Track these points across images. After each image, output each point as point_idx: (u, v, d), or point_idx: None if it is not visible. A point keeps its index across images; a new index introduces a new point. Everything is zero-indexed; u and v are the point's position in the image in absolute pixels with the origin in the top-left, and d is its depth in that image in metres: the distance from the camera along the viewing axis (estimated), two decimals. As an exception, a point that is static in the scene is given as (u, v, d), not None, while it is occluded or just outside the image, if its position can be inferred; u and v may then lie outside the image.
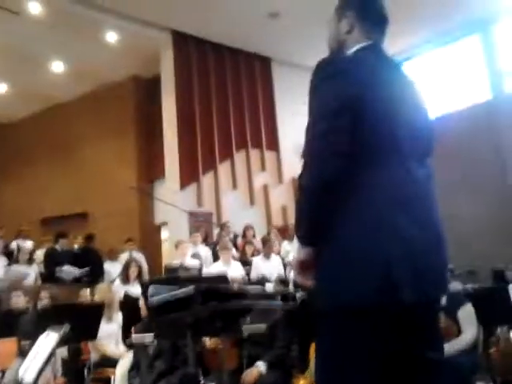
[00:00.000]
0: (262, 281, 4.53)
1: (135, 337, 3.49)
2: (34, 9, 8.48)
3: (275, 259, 6.71)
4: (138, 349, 3.69)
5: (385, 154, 1.44)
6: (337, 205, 1.40)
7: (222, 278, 2.53)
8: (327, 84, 1.46)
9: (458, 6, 9.11)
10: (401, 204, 1.40)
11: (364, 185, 1.41)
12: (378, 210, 1.39)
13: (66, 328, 2.55)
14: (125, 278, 5.87)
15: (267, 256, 6.64)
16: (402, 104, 1.52)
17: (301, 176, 1.45)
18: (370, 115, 1.42)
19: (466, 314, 3.81)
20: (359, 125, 1.40)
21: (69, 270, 7.29)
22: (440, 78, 10.54)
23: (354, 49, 1.62)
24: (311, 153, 1.42)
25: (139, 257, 8.44)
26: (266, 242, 6.99)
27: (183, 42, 9.89)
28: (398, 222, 1.38)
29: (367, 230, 1.37)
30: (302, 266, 1.50)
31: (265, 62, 11.07)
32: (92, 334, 3.75)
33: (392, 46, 10.26)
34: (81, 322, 3.34)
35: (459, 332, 3.75)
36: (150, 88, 11.09)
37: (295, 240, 1.68)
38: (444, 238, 1.53)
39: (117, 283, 6.00)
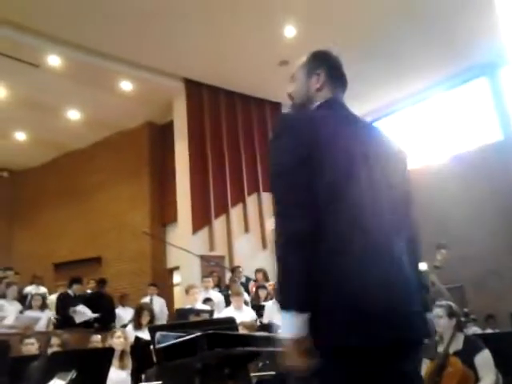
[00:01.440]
0: (273, 327, 4.46)
1: (144, 384, 3.44)
2: (53, 61, 8.85)
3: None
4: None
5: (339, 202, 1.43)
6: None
7: (230, 322, 2.51)
8: (281, 137, 1.52)
9: (466, 50, 9.31)
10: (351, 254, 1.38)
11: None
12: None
13: (72, 375, 2.53)
14: (137, 323, 5.83)
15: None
16: (359, 159, 1.50)
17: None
18: (322, 170, 1.44)
19: (484, 360, 3.69)
20: (314, 178, 1.42)
21: (82, 311, 7.28)
22: (451, 119, 10.66)
23: (316, 104, 1.67)
24: (277, 215, 1.42)
25: (161, 302, 8.44)
26: (276, 289, 6.93)
27: (196, 90, 10.17)
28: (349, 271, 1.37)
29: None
30: (302, 345, 1.32)
31: (275, 107, 11.30)
32: (101, 381, 3.69)
33: (403, 89, 10.53)
34: (89, 369, 3.31)
35: (477, 380, 3.63)
36: (163, 134, 11.34)
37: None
38: (407, 280, 1.46)
39: (129, 328, 5.95)
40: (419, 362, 1.53)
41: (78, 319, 7.20)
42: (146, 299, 8.11)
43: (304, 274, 1.33)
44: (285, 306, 1.34)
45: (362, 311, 1.32)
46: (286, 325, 1.33)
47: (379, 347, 1.33)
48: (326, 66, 1.71)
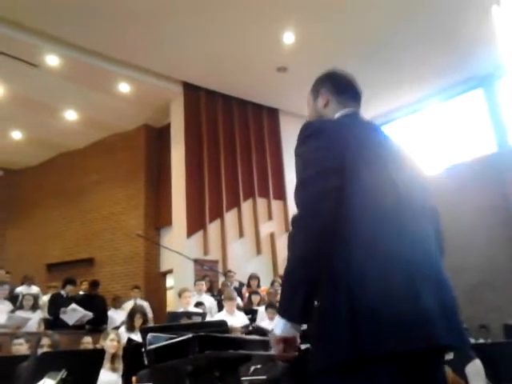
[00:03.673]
0: (262, 331, 4.45)
1: (133, 386, 3.42)
2: (52, 61, 8.85)
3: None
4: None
5: (367, 201, 1.44)
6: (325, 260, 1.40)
7: (221, 325, 2.50)
8: (310, 140, 1.53)
9: (462, 62, 9.39)
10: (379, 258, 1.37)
11: (349, 239, 1.40)
12: (355, 263, 1.36)
13: (62, 374, 2.51)
14: (130, 326, 5.82)
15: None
16: (384, 161, 1.53)
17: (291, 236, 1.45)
18: (350, 170, 1.44)
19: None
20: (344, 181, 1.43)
21: (74, 309, 7.23)
22: (446, 130, 10.72)
23: (335, 116, 1.71)
24: (300, 206, 1.45)
25: (144, 305, 8.41)
26: (269, 293, 7.01)
27: (193, 93, 10.19)
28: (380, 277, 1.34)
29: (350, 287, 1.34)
30: (285, 342, 1.44)
31: (272, 113, 11.34)
32: (91, 382, 3.66)
33: (400, 99, 10.59)
34: (80, 370, 3.28)
35: (467, 388, 3.65)
36: (159, 137, 11.35)
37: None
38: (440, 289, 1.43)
39: (121, 330, 5.93)
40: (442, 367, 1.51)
41: (70, 320, 7.15)
42: (130, 302, 8.09)
43: (307, 293, 1.38)
44: (280, 314, 1.44)
45: (392, 317, 1.30)
46: (277, 325, 1.45)
47: (410, 352, 1.31)
48: (329, 82, 1.78)
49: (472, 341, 6.45)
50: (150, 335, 2.14)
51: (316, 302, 1.41)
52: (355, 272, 1.35)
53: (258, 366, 3.51)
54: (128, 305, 8.16)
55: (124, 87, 9.82)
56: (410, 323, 1.30)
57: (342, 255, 1.38)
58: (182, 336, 1.95)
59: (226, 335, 2.19)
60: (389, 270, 1.35)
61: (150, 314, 8.43)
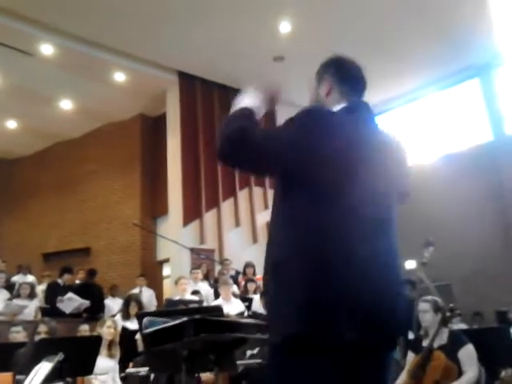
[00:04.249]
0: (259, 317, 4.50)
1: (130, 370, 3.45)
2: (47, 50, 8.78)
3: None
4: (133, 382, 3.65)
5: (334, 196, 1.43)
6: (282, 238, 1.43)
7: (217, 310, 2.53)
8: (293, 128, 1.53)
9: (459, 51, 9.37)
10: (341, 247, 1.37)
11: (310, 225, 1.40)
12: (319, 251, 1.36)
13: (60, 357, 2.54)
14: (125, 314, 5.86)
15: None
16: (368, 167, 1.49)
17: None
18: (325, 170, 1.43)
19: (467, 354, 3.76)
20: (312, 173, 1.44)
21: (71, 298, 7.27)
22: (443, 119, 10.74)
23: (334, 110, 1.64)
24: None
25: (149, 293, 8.45)
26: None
27: (189, 82, 10.15)
28: (338, 263, 1.34)
29: (309, 266, 1.34)
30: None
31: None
32: (88, 368, 3.70)
33: (397, 88, 10.56)
34: (77, 356, 3.31)
35: (460, 373, 3.69)
36: (155, 126, 11.31)
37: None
38: (393, 283, 1.46)
39: (117, 318, 5.97)
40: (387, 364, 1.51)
41: (67, 308, 7.19)
42: (136, 290, 8.13)
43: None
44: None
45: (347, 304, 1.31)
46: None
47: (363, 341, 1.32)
48: (334, 69, 1.71)
49: (465, 327, 6.55)
50: (145, 319, 2.17)
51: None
52: (322, 255, 1.36)
53: (254, 352, 3.55)
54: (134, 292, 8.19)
55: (119, 76, 9.77)
56: (369, 312, 1.32)
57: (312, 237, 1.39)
58: (177, 320, 1.98)
59: (222, 318, 2.22)
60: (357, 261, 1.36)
61: (154, 303, 8.48)
